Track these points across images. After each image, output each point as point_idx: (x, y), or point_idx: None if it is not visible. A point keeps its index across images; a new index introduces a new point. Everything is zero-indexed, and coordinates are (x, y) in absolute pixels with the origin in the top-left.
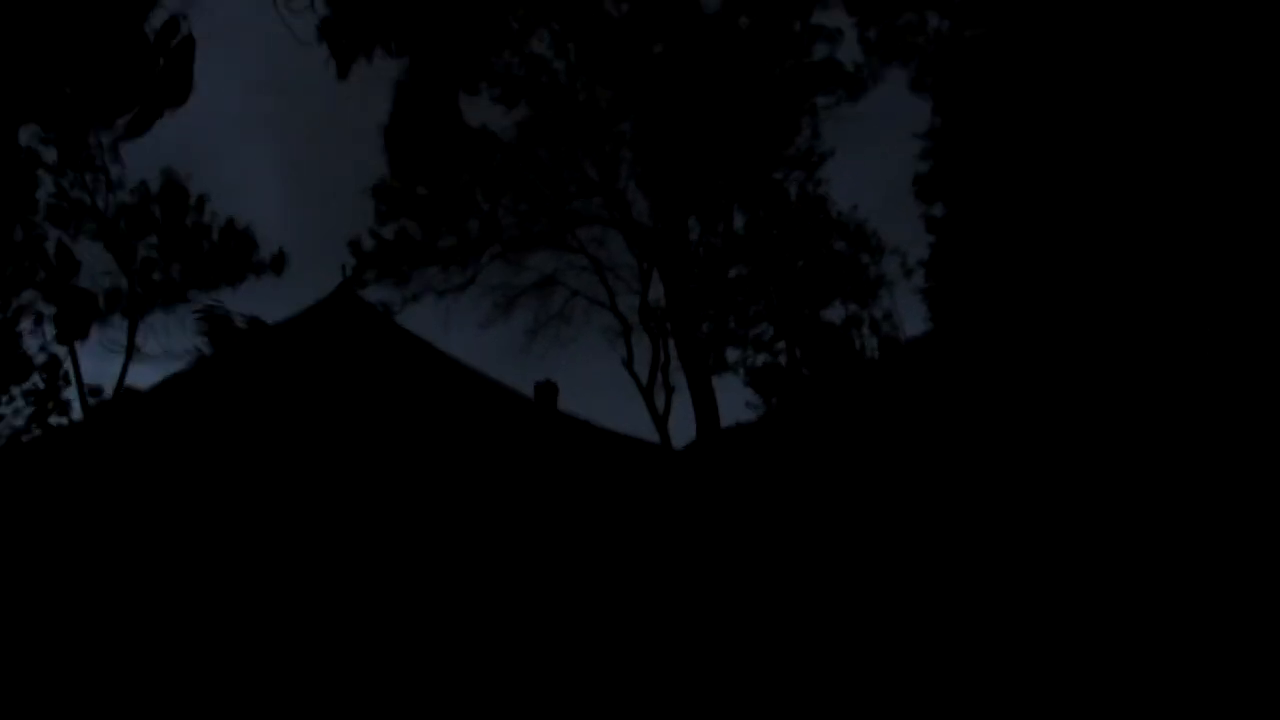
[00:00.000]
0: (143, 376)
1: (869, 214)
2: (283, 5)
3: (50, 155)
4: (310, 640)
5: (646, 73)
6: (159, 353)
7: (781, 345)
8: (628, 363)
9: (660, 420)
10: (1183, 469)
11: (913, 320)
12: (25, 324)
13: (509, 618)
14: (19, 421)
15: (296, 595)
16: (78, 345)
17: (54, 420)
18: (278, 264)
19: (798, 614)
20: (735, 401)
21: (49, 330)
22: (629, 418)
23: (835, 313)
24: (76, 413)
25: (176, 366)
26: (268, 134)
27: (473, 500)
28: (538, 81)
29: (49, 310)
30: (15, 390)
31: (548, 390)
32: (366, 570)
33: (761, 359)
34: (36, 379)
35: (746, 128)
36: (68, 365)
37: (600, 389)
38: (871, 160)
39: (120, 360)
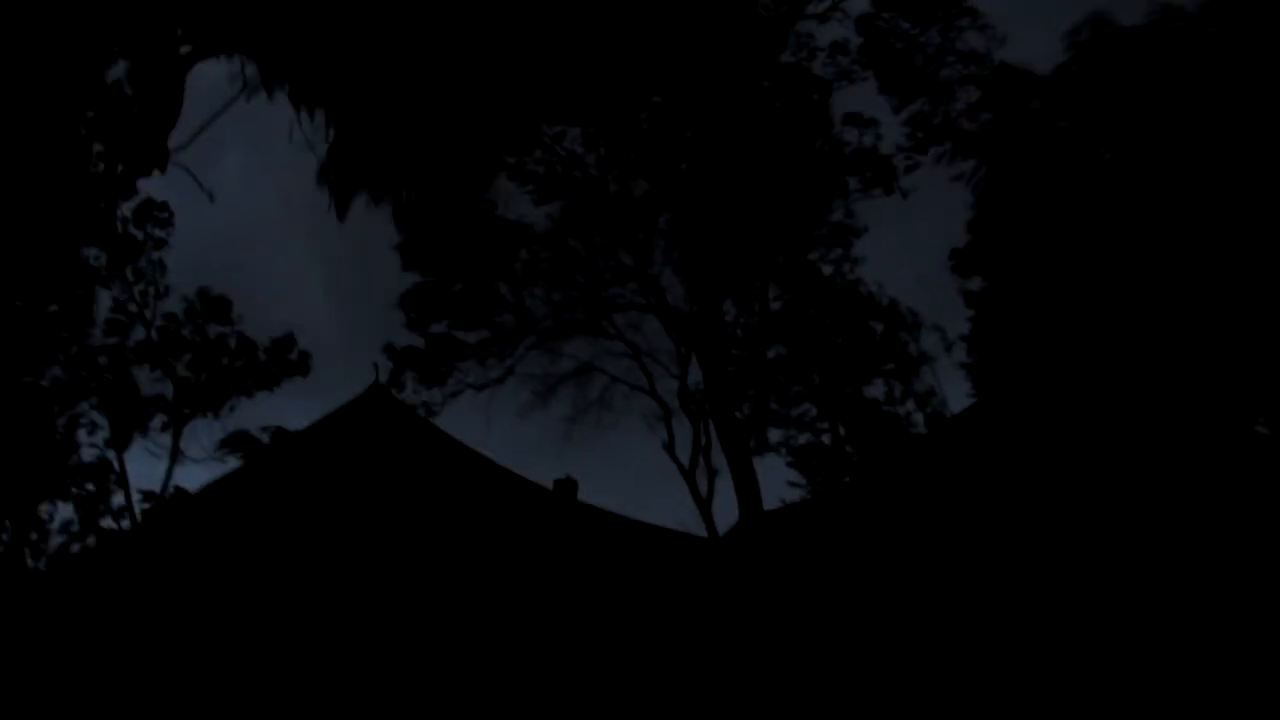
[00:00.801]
0: (188, 477)
1: (901, 289)
2: (299, 136)
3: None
4: None
5: (679, 160)
6: (202, 455)
7: (825, 424)
8: (669, 447)
9: (704, 503)
10: (1239, 537)
11: (955, 394)
12: (79, 432)
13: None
14: (74, 525)
15: (341, 691)
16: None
17: (106, 524)
18: (302, 366)
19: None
20: (779, 482)
21: (101, 436)
22: (672, 501)
23: (877, 390)
24: (127, 516)
25: (219, 468)
26: (309, 232)
27: (502, 599)
28: (570, 177)
29: (101, 417)
30: (68, 494)
31: (567, 487)
32: (402, 666)
33: (805, 439)
34: (89, 484)
35: (779, 210)
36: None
37: (642, 473)
38: (903, 234)
39: (165, 463)
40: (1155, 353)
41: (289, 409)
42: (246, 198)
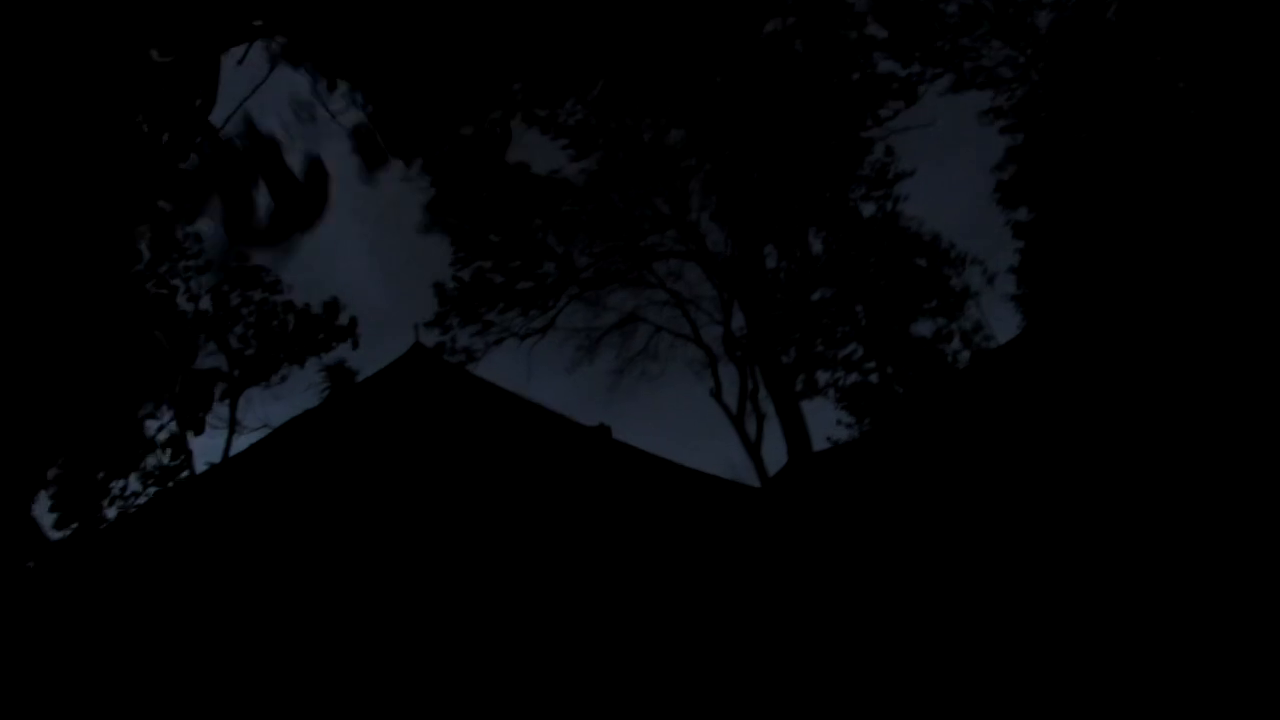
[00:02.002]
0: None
1: (942, 225)
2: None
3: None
4: (401, 688)
5: (710, 106)
6: (259, 425)
7: (872, 364)
8: (716, 393)
9: (753, 447)
10: None
11: (1003, 329)
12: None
13: (594, 666)
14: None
15: (381, 639)
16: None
17: None
18: (349, 332)
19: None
20: (829, 422)
21: (167, 414)
22: (722, 446)
23: (924, 327)
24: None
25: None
26: (358, 200)
27: (552, 546)
28: (604, 127)
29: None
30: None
31: (600, 433)
32: (449, 620)
33: (852, 379)
34: (163, 458)
35: (812, 150)
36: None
37: (691, 420)
38: (941, 170)
39: (224, 434)
40: (1221, 279)
41: (339, 373)
42: None
